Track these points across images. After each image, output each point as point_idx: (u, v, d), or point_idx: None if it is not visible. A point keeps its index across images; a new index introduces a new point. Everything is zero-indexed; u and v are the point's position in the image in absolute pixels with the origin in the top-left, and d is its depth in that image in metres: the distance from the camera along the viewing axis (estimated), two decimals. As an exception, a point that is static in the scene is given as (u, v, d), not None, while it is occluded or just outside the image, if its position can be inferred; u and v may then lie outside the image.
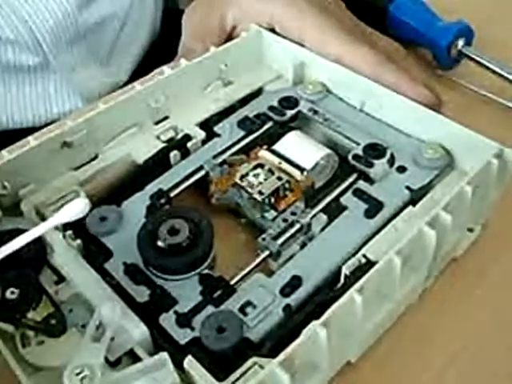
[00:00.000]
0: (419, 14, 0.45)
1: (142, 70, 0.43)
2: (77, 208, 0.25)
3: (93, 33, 0.47)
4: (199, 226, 0.28)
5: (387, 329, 0.28)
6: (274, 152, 0.32)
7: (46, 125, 0.45)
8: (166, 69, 0.35)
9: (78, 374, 0.22)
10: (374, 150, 0.31)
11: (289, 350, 0.21)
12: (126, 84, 0.50)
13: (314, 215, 0.29)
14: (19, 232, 0.28)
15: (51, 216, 0.29)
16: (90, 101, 0.47)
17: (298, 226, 0.29)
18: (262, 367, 0.23)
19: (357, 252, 0.27)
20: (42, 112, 0.46)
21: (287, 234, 0.28)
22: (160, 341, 0.25)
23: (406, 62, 0.39)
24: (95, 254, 0.28)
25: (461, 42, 0.43)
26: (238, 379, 0.23)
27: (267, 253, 0.28)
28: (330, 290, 0.26)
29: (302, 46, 0.37)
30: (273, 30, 0.38)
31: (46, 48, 0.43)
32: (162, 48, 0.50)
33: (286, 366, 0.21)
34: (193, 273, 0.27)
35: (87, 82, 0.47)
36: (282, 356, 0.21)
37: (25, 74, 0.44)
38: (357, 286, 0.23)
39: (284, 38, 0.38)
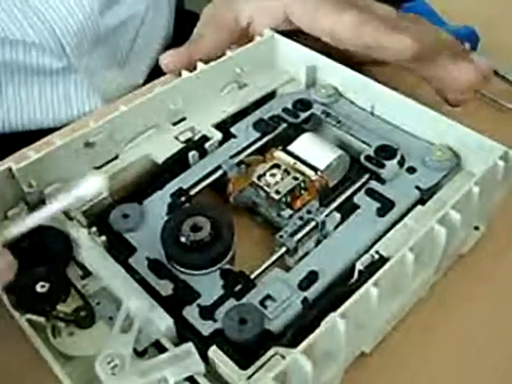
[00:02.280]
0: (425, 18, 0.46)
1: (156, 72, 0.44)
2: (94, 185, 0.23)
3: (113, 35, 0.48)
4: (220, 223, 0.29)
5: (397, 321, 0.29)
6: (289, 153, 0.33)
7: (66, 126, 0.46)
8: (183, 72, 0.36)
9: (109, 363, 0.24)
10: (385, 152, 0.33)
11: (310, 339, 0.23)
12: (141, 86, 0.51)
13: (329, 214, 0.30)
14: (44, 229, 0.30)
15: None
16: (108, 102, 0.48)
17: (313, 223, 0.30)
18: (282, 356, 0.24)
19: (369, 249, 0.28)
20: (62, 113, 0.47)
21: (303, 232, 0.30)
22: (184, 332, 0.26)
23: (403, 21, 0.36)
24: (119, 249, 0.29)
25: (466, 47, 0.44)
26: (260, 367, 0.24)
27: (284, 249, 0.29)
28: (344, 284, 0.27)
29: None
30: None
31: (70, 52, 0.45)
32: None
33: (308, 355, 0.22)
34: (214, 268, 0.28)
35: (106, 83, 0.49)
36: (304, 344, 0.22)
37: (47, 77, 0.46)
38: (373, 279, 0.24)
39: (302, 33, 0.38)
